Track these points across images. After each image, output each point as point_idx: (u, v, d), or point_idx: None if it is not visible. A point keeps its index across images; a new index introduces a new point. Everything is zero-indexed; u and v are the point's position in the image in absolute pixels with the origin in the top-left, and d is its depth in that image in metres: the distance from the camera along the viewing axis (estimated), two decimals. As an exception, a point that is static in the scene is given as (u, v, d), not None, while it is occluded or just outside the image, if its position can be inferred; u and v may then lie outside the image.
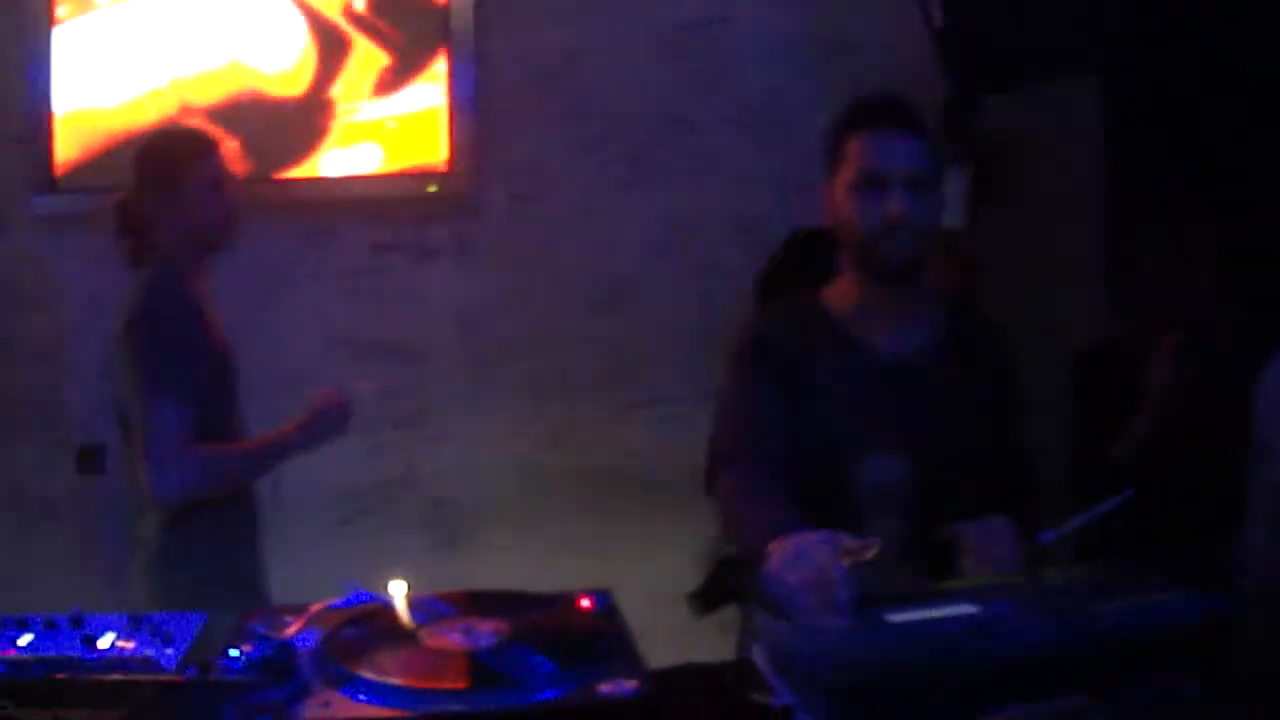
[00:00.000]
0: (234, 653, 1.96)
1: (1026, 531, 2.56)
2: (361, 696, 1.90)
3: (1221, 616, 2.12)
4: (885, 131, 2.83)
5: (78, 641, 2.04)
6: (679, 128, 4.93)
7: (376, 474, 4.77)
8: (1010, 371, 3.07)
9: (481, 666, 1.95)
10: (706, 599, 3.17)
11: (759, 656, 2.24)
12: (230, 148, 3.69)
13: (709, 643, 2.89)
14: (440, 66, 4.80)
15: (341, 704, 1.88)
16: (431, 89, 4.81)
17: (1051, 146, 4.35)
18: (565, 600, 2.29)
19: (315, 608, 2.24)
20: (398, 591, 2.16)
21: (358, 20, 4.78)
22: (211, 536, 3.47)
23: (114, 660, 1.98)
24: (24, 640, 2.06)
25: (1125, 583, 2.22)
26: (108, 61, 4.72)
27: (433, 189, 4.82)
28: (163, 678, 1.93)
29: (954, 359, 2.95)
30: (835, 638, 2.06)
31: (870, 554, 2.28)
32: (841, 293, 2.94)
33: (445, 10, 4.80)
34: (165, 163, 3.55)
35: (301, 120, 4.76)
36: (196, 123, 4.59)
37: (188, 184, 3.51)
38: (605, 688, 1.90)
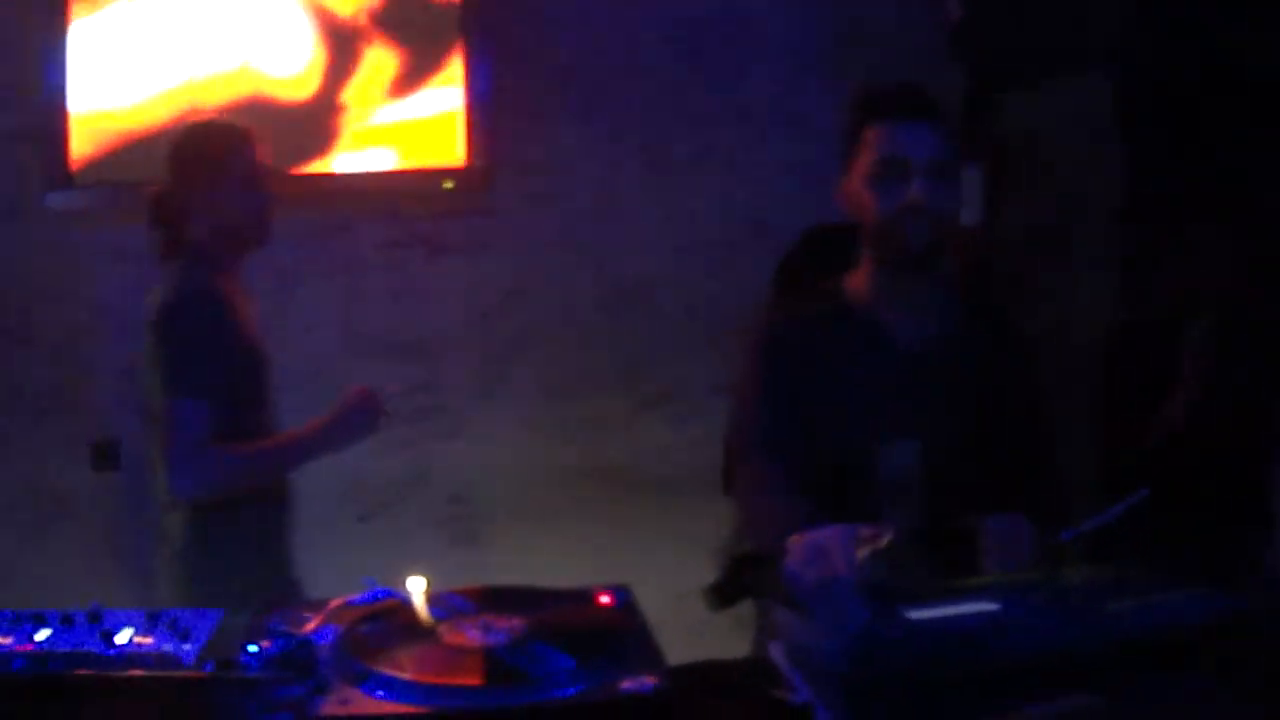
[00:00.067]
0: (253, 649, 1.96)
1: (1046, 525, 2.56)
2: (380, 693, 1.89)
3: (1241, 616, 2.12)
4: (903, 119, 2.83)
5: (95, 637, 2.04)
6: (694, 123, 4.92)
7: (391, 470, 4.77)
8: (1028, 360, 3.07)
9: (500, 663, 1.95)
10: (723, 593, 3.15)
11: (778, 653, 2.23)
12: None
13: (724, 639, 2.88)
14: (455, 64, 4.79)
15: (360, 700, 1.87)
16: (447, 88, 4.80)
17: (1067, 142, 4.34)
18: (584, 596, 2.28)
19: (333, 603, 2.23)
20: (416, 588, 2.16)
21: (371, 21, 4.77)
22: (238, 533, 3.44)
23: (133, 656, 1.97)
24: (41, 635, 2.05)
25: (1144, 582, 2.22)
26: (122, 58, 4.72)
27: (448, 185, 4.82)
28: (185, 674, 1.93)
29: (972, 347, 2.95)
30: (854, 634, 2.05)
31: (885, 541, 2.28)
32: (860, 281, 2.95)
33: (459, 9, 4.79)
34: (201, 156, 3.53)
35: (314, 123, 4.76)
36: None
37: (223, 178, 3.49)
38: (625, 684, 1.89)
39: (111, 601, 2.19)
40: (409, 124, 4.80)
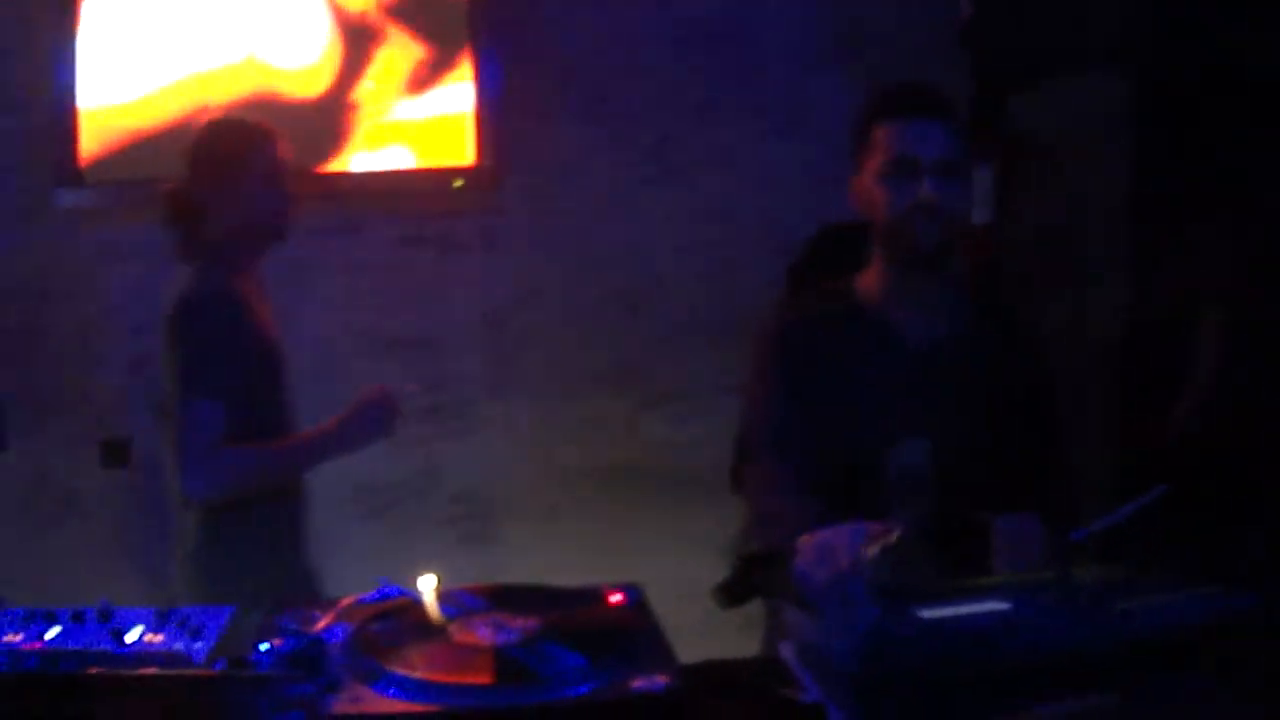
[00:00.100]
0: (264, 647, 1.96)
1: (1056, 525, 2.56)
2: (391, 691, 1.89)
3: (1251, 616, 2.12)
4: (914, 118, 2.83)
5: (106, 635, 2.04)
6: (703, 122, 4.92)
7: (401, 468, 4.77)
8: (1038, 359, 3.07)
9: (512, 661, 1.95)
10: (732, 593, 3.15)
11: (788, 652, 2.24)
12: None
13: (733, 639, 2.88)
14: (465, 64, 4.79)
15: (371, 699, 1.87)
16: (458, 86, 4.80)
17: (1076, 141, 4.34)
18: (595, 595, 2.28)
19: (344, 602, 2.23)
20: (427, 586, 2.16)
21: (382, 20, 4.77)
22: (252, 532, 3.43)
23: (145, 654, 1.97)
24: (52, 633, 2.05)
25: (1155, 581, 2.22)
26: (131, 55, 4.72)
27: (458, 184, 4.81)
28: (196, 672, 1.93)
29: (982, 346, 2.95)
30: (864, 633, 2.05)
31: (893, 539, 2.27)
32: (870, 280, 2.95)
33: (470, 7, 4.79)
34: (221, 154, 3.51)
35: (324, 121, 4.76)
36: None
37: (243, 176, 3.47)
38: (637, 683, 1.89)
39: (121, 599, 2.19)
40: (418, 123, 4.80)
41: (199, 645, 2.00)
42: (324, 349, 4.67)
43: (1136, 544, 2.38)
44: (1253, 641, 2.10)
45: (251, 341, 3.43)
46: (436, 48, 4.78)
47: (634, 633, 2.11)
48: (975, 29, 4.53)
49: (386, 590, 2.27)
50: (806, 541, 2.37)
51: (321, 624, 2.11)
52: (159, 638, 2.03)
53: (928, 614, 2.09)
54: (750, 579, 3.04)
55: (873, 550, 2.24)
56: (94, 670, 1.93)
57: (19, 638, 2.03)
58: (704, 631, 2.52)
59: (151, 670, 1.93)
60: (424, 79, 4.79)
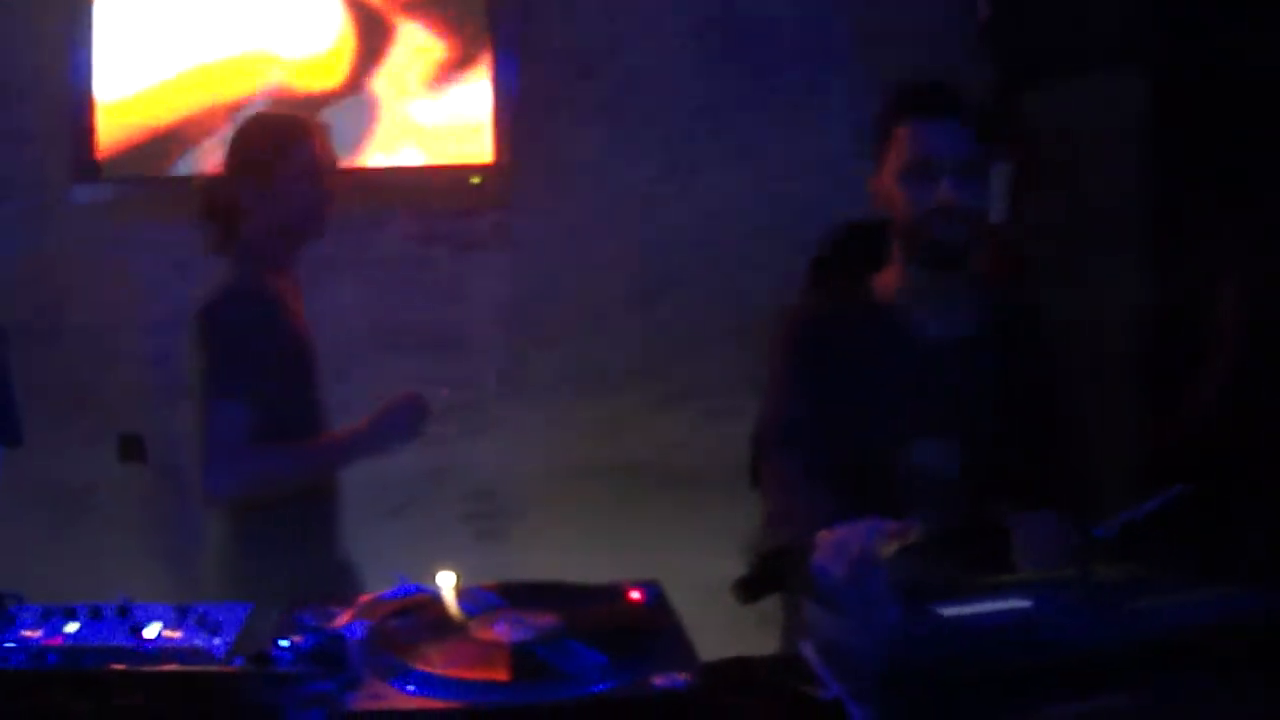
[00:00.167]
0: (284, 643, 1.95)
1: (1077, 522, 2.55)
2: (411, 688, 1.89)
3: (1272, 614, 2.11)
4: (934, 118, 2.83)
5: (124, 631, 2.04)
6: (720, 119, 4.91)
7: (418, 466, 4.76)
8: (1055, 356, 3.07)
9: (532, 658, 1.95)
10: (751, 588, 3.15)
11: (808, 650, 2.23)
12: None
13: (750, 636, 2.87)
14: (484, 61, 4.79)
15: (391, 695, 1.87)
16: (476, 84, 4.80)
17: (1095, 138, 4.33)
18: (615, 592, 2.28)
19: (363, 598, 2.23)
20: (446, 583, 2.15)
21: (401, 15, 4.77)
22: (277, 531, 3.38)
23: (166, 650, 1.97)
24: (71, 628, 2.05)
25: (1176, 580, 2.21)
26: (145, 49, 4.72)
27: (476, 181, 4.81)
28: (218, 669, 1.92)
29: (999, 343, 2.96)
30: (886, 631, 2.04)
31: (912, 538, 2.27)
32: (889, 279, 2.95)
33: (488, 4, 4.79)
34: (259, 149, 3.47)
35: (343, 116, 4.74)
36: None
37: (281, 172, 3.43)
38: (658, 681, 1.89)
39: (137, 594, 2.19)
40: (436, 120, 4.80)
41: (218, 641, 2.00)
42: (340, 345, 4.66)
43: (1156, 542, 2.38)
44: (1273, 640, 2.09)
45: (280, 340, 3.40)
46: (454, 45, 4.78)
47: (654, 630, 2.11)
48: (993, 28, 4.53)
49: (405, 587, 2.27)
50: (824, 538, 2.37)
51: (341, 620, 2.11)
52: (178, 634, 2.03)
53: (948, 611, 2.09)
54: (769, 574, 3.04)
55: (891, 548, 2.24)
56: (116, 666, 1.93)
57: (38, 634, 2.03)
58: (721, 629, 2.51)
59: (174, 666, 1.93)
60: (442, 76, 4.78)
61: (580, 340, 4.92)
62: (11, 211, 4.82)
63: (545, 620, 2.09)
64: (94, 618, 2.10)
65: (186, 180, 4.65)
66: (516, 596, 2.21)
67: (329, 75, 4.76)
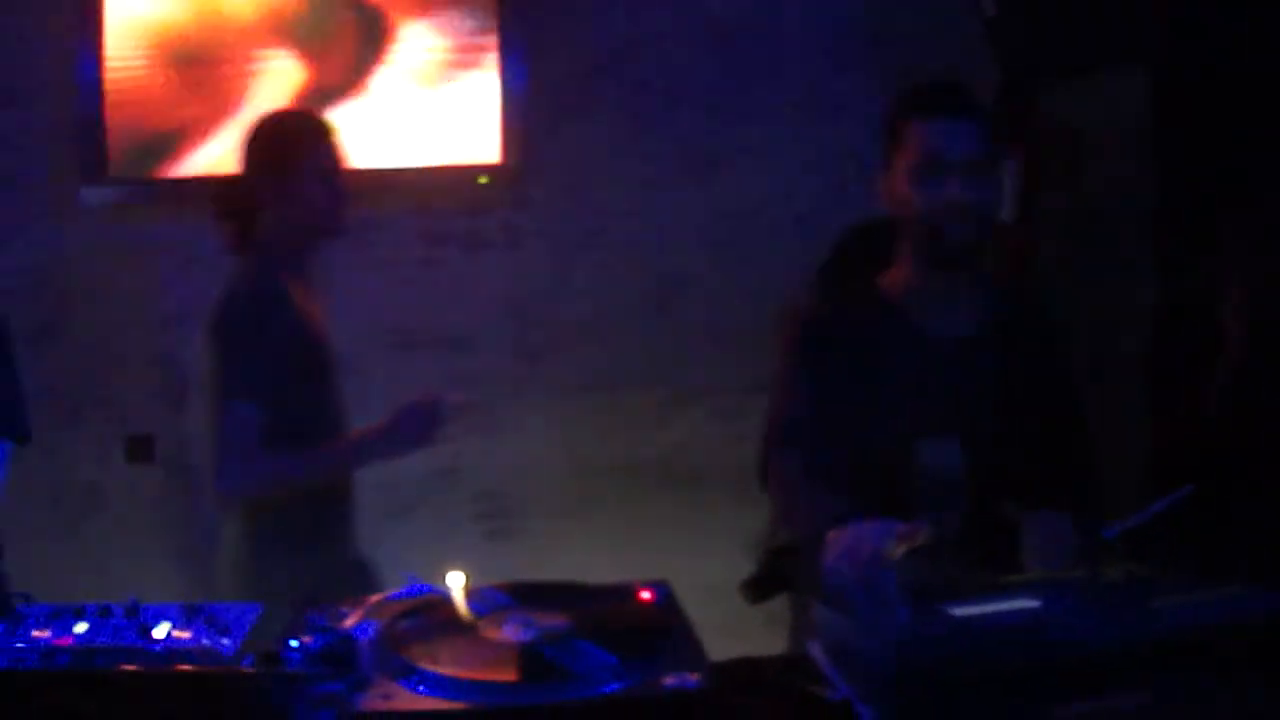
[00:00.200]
0: (294, 644, 1.95)
1: (1085, 522, 2.55)
2: (421, 688, 1.88)
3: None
4: (944, 117, 2.83)
5: (133, 631, 2.04)
6: (729, 117, 4.91)
7: (427, 465, 4.76)
8: (1061, 357, 3.07)
9: (542, 659, 1.95)
10: (760, 587, 3.15)
11: (817, 650, 2.23)
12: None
13: (757, 636, 2.87)
14: (492, 60, 4.79)
15: (401, 695, 1.87)
16: (484, 83, 4.80)
17: (1101, 137, 4.33)
18: (625, 592, 2.28)
19: (373, 599, 2.23)
20: (456, 583, 2.15)
21: (411, 11, 4.77)
22: (296, 531, 3.37)
23: (177, 651, 1.97)
24: (80, 628, 2.05)
25: (1186, 579, 2.21)
26: (154, 50, 4.72)
27: (484, 180, 4.81)
28: (234, 670, 1.93)
29: (1006, 343, 2.96)
30: (895, 631, 2.04)
31: (921, 539, 2.27)
32: (897, 277, 2.95)
33: (496, 3, 4.78)
34: (276, 146, 3.46)
35: (351, 114, 4.74)
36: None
37: (298, 170, 3.41)
38: (668, 681, 1.88)
39: (145, 594, 2.19)
40: (444, 119, 4.80)
41: (227, 641, 2.00)
42: (348, 345, 4.65)
43: (1163, 543, 2.38)
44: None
45: (294, 340, 3.39)
46: (462, 44, 4.78)
47: (664, 630, 2.11)
48: (999, 26, 4.52)
49: (415, 587, 2.27)
50: (833, 538, 2.37)
51: (350, 621, 2.11)
52: (187, 634, 2.03)
53: (958, 612, 2.09)
54: (777, 574, 3.04)
55: (900, 550, 2.24)
56: (127, 667, 1.93)
57: (47, 633, 2.03)
58: (729, 629, 2.51)
59: (185, 667, 1.93)
60: (449, 76, 4.78)
61: (589, 340, 4.92)
62: (21, 212, 4.82)
63: (555, 621, 2.09)
64: (103, 617, 2.10)
65: (193, 181, 4.66)
66: (526, 597, 2.21)
67: (336, 74, 4.76)
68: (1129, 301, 4.11)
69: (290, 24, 4.75)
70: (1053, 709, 1.96)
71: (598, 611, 2.16)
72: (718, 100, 4.91)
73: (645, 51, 4.90)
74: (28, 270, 4.78)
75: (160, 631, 2.03)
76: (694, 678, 1.89)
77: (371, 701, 1.86)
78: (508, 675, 1.91)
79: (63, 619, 2.10)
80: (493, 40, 4.77)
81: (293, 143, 3.46)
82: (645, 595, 2.27)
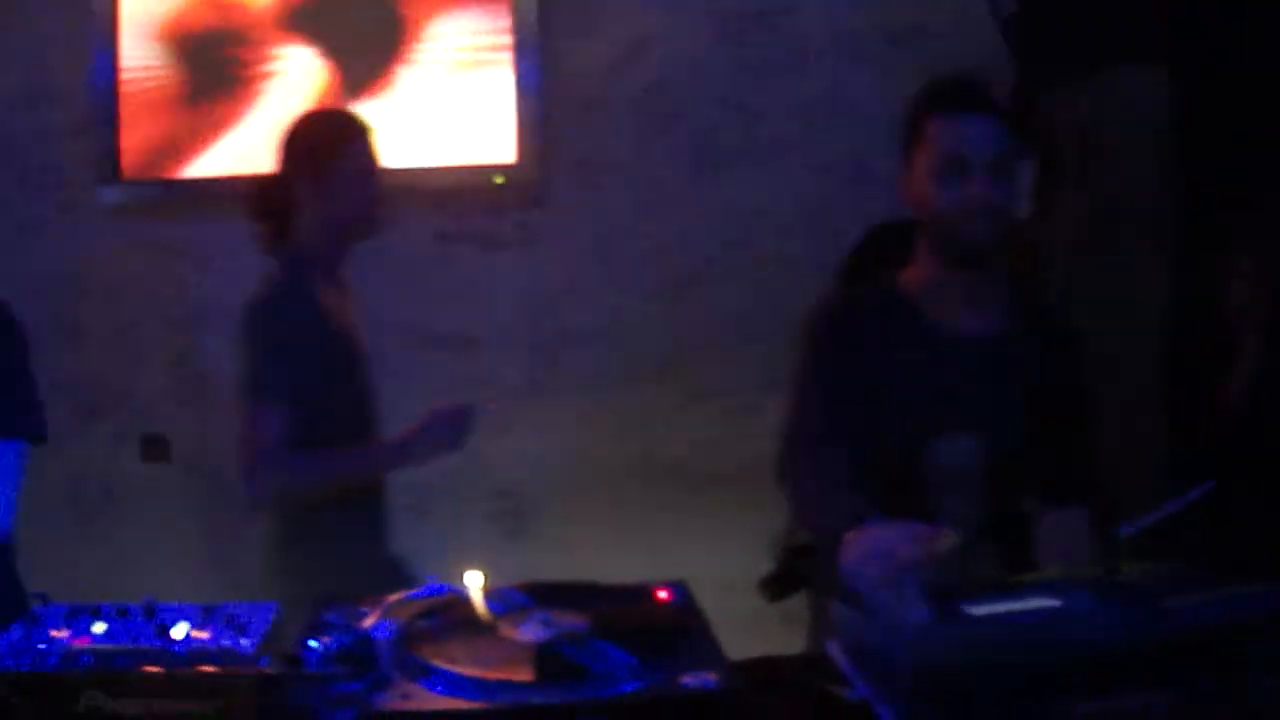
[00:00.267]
0: (313, 644, 1.95)
1: (1103, 520, 2.55)
2: (440, 688, 1.88)
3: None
4: (965, 115, 2.82)
5: (151, 631, 2.04)
6: (745, 117, 4.90)
7: (442, 464, 4.76)
8: (1080, 356, 3.06)
9: (562, 659, 1.94)
10: (778, 585, 3.16)
11: (836, 649, 2.23)
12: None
13: (774, 635, 2.87)
14: (507, 59, 4.78)
15: (421, 695, 1.87)
16: (500, 82, 4.80)
17: (1120, 135, 4.31)
18: (643, 592, 2.28)
19: (391, 598, 2.23)
20: (474, 583, 2.15)
21: (427, 10, 4.77)
22: (333, 530, 3.36)
23: (198, 652, 1.97)
24: (98, 628, 2.05)
25: (1204, 577, 2.21)
26: (170, 53, 4.73)
27: (499, 180, 4.81)
28: (258, 671, 1.92)
29: (1026, 342, 2.95)
30: (914, 630, 2.04)
31: (949, 544, 2.26)
32: (916, 276, 2.94)
33: (512, 1, 4.78)
34: (313, 146, 3.44)
35: (367, 115, 4.74)
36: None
37: (335, 170, 3.39)
38: (687, 680, 1.88)
39: (161, 593, 2.19)
40: (460, 119, 4.80)
41: (245, 642, 2.00)
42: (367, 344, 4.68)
43: (1182, 540, 2.37)
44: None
45: (325, 343, 3.37)
46: (478, 43, 4.78)
47: (683, 630, 2.10)
48: (1017, 23, 4.51)
49: (433, 587, 2.27)
50: (854, 538, 2.37)
51: (369, 621, 2.11)
52: (205, 634, 2.03)
53: (976, 611, 2.09)
54: (796, 572, 3.04)
55: (930, 554, 2.23)
56: (150, 669, 1.93)
57: (66, 634, 2.03)
58: (745, 628, 2.51)
59: (207, 669, 1.93)
60: (465, 74, 4.78)
61: (605, 339, 4.91)
62: (37, 213, 4.83)
63: (574, 620, 2.09)
64: (121, 617, 2.10)
65: (210, 182, 4.67)
66: (544, 596, 2.21)
67: (351, 75, 4.76)
68: (1145, 300, 4.10)
69: (305, 25, 4.75)
70: (1071, 707, 1.95)
71: (616, 611, 2.16)
72: (733, 99, 4.90)
73: (660, 51, 4.89)
74: (44, 271, 4.80)
75: (179, 632, 2.02)
76: (712, 677, 1.88)
77: (390, 701, 1.85)
78: (526, 675, 1.90)
79: (81, 619, 2.10)
80: (508, 40, 4.77)
81: (330, 142, 3.44)
82: (663, 595, 2.27)
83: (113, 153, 4.72)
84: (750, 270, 4.88)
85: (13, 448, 3.05)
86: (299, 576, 3.27)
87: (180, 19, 4.73)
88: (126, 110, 4.72)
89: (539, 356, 4.93)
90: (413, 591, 2.26)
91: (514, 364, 4.92)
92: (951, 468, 2.83)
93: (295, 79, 4.75)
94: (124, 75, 4.72)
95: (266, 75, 4.75)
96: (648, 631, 2.04)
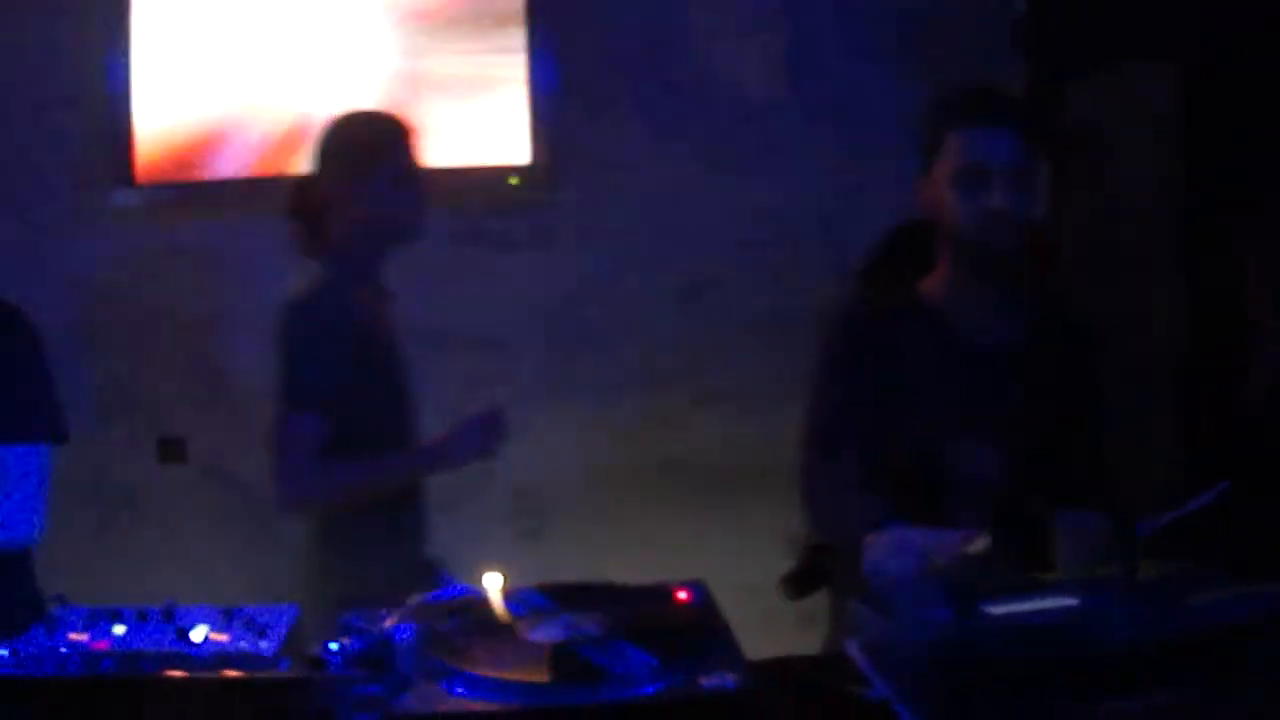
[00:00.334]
0: (333, 646, 1.95)
1: (1121, 520, 2.55)
2: (461, 690, 1.88)
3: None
4: (985, 125, 2.82)
5: (171, 634, 2.03)
6: (759, 117, 4.91)
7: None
8: (1098, 362, 3.06)
9: (582, 660, 1.93)
10: (799, 583, 3.16)
11: (855, 649, 2.23)
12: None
13: (794, 635, 2.87)
14: (521, 60, 4.78)
15: (442, 697, 1.87)
16: (513, 83, 4.79)
17: (1130, 134, 4.32)
18: (662, 592, 2.27)
19: (411, 600, 2.23)
20: (493, 584, 2.15)
21: (440, 12, 4.77)
22: (371, 533, 3.33)
23: (219, 655, 1.97)
24: (118, 631, 2.05)
25: (1223, 577, 2.21)
26: (183, 55, 4.74)
27: (514, 181, 4.81)
28: (270, 673, 1.92)
29: (1044, 349, 2.95)
30: (935, 630, 2.04)
31: (981, 547, 2.27)
32: (936, 282, 2.95)
33: (526, 3, 4.79)
34: (353, 148, 3.39)
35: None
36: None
37: (375, 172, 3.35)
38: (706, 681, 1.88)
39: (179, 595, 2.19)
40: (474, 120, 4.80)
41: (265, 644, 2.00)
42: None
43: (1200, 540, 2.37)
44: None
45: (360, 346, 3.34)
46: (492, 44, 4.78)
47: (702, 630, 2.10)
48: (1028, 24, 4.52)
49: (452, 589, 2.26)
50: (878, 539, 2.37)
51: (389, 623, 2.11)
52: (224, 637, 2.03)
53: (996, 610, 2.09)
54: (818, 569, 3.04)
55: (962, 556, 2.23)
56: (171, 673, 1.93)
57: (85, 637, 2.03)
58: (763, 628, 2.51)
59: (233, 673, 1.93)
60: (480, 75, 4.78)
61: (620, 340, 4.92)
62: (52, 216, 4.84)
63: (592, 621, 2.09)
64: (140, 620, 2.10)
65: (224, 184, 4.68)
66: (564, 597, 2.21)
67: (365, 76, 4.76)
68: (1159, 299, 4.10)
69: (319, 26, 4.75)
70: (1091, 707, 1.95)
71: (635, 612, 2.15)
72: (746, 100, 4.91)
73: (674, 51, 4.89)
74: (60, 274, 4.80)
75: (198, 634, 2.02)
76: (732, 678, 1.88)
77: (411, 704, 1.85)
78: (546, 676, 1.90)
79: (99, 622, 2.09)
80: (522, 40, 4.77)
81: (370, 144, 3.39)
82: (682, 595, 2.26)
83: (126, 157, 4.72)
84: (763, 271, 4.88)
85: (36, 451, 3.06)
86: (336, 578, 3.25)
87: (192, 23, 4.74)
88: (140, 113, 4.73)
89: (555, 357, 4.94)
90: (432, 593, 2.26)
91: (530, 365, 4.92)
92: (969, 473, 2.84)
93: (309, 82, 4.75)
94: (136, 79, 4.72)
95: (280, 78, 4.75)
96: (667, 632, 2.04)
